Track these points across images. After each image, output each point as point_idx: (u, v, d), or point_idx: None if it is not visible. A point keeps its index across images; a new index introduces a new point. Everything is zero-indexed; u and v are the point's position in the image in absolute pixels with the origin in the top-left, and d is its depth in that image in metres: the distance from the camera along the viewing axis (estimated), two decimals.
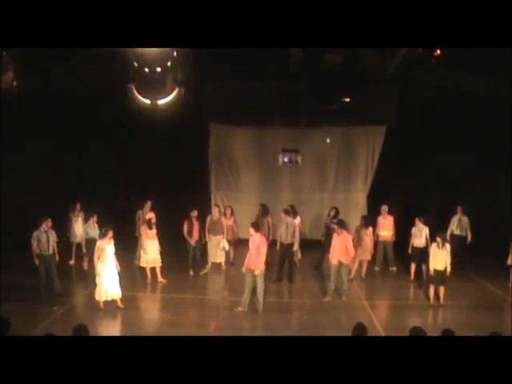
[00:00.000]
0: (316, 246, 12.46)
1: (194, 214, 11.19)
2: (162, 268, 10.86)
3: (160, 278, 10.81)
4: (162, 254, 10.91)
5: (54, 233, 9.67)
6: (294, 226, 11.00)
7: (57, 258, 9.67)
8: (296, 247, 11.13)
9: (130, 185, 13.46)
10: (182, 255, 11.66)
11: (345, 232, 9.91)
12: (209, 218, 11.61)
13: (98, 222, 10.69)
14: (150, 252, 10.79)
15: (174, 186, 13.58)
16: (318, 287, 10.79)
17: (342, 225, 10.01)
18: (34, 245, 9.37)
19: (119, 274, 9.17)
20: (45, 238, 9.43)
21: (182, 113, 10.43)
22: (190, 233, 11.15)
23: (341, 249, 9.75)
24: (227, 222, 11.87)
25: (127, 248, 11.13)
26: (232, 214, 12.15)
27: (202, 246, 11.58)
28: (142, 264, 10.87)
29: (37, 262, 9.43)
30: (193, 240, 11.22)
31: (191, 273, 11.20)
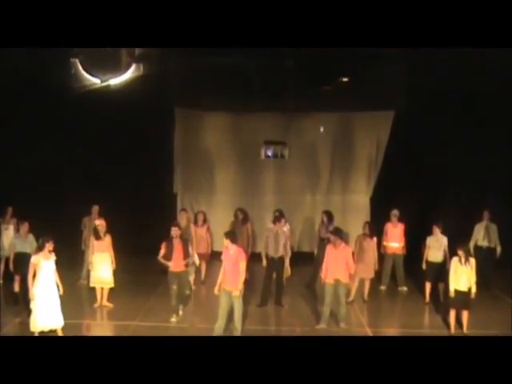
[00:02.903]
0: (307, 260, 12.47)
1: (176, 232, 10.06)
2: (111, 289, 10.84)
3: (104, 301, 10.76)
4: (115, 271, 10.87)
5: None
6: (284, 236, 11.04)
7: None
8: (287, 262, 11.10)
9: (76, 185, 13.41)
10: (141, 272, 11.76)
11: (343, 243, 9.88)
12: (172, 224, 11.06)
13: (32, 232, 10.61)
14: (98, 268, 10.73)
15: (130, 186, 13.56)
16: (310, 311, 10.73)
17: (339, 234, 9.92)
18: None
19: (61, 297, 9.05)
20: None
21: (140, 95, 10.57)
22: (169, 256, 10.03)
23: (338, 264, 9.70)
24: (198, 231, 11.90)
25: (72, 264, 11.04)
26: (205, 221, 12.17)
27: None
28: (92, 283, 10.82)
29: None
30: (172, 267, 10.05)
31: (173, 319, 10.07)
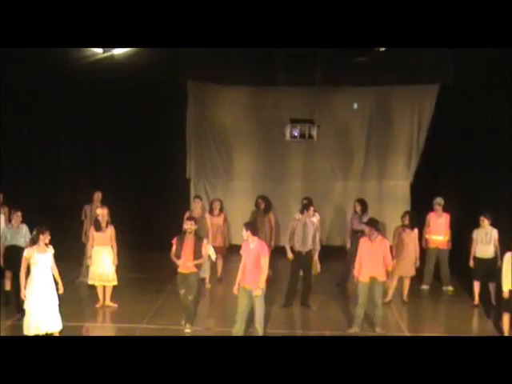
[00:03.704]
0: (338, 255, 12.47)
1: (190, 227, 9.56)
2: (114, 287, 10.76)
3: (108, 300, 10.69)
4: (117, 268, 10.72)
5: None
6: (313, 227, 10.96)
7: None
8: (316, 257, 11.12)
9: (75, 169, 13.43)
10: (149, 268, 11.89)
11: (379, 236, 9.74)
12: (187, 215, 11.24)
13: (25, 222, 10.46)
14: (99, 264, 10.60)
15: (137, 170, 13.61)
16: (341, 314, 10.68)
17: (375, 225, 9.78)
18: None
19: (59, 296, 8.88)
20: None
21: (148, 66, 10.91)
22: (178, 254, 9.59)
23: (373, 260, 9.61)
24: (214, 222, 11.84)
25: (71, 259, 11.08)
26: (221, 210, 12.08)
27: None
28: (91, 281, 10.73)
29: None
30: (180, 267, 9.62)
31: (187, 330, 9.69)
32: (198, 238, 9.72)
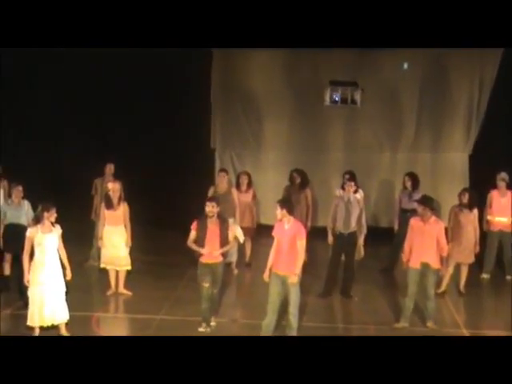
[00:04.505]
0: (384, 238, 12.36)
1: (213, 210, 9.10)
2: (128, 273, 10.69)
3: (121, 288, 10.61)
4: (131, 250, 10.64)
5: None
6: (359, 206, 10.82)
7: None
8: (361, 240, 10.89)
9: (84, 139, 13.55)
10: (167, 252, 11.99)
11: (433, 216, 9.47)
12: (211, 191, 11.48)
13: (27, 197, 10.42)
14: (111, 246, 10.52)
15: (156, 140, 13.64)
16: (388, 305, 10.55)
17: (428, 204, 9.52)
18: None
19: (67, 283, 8.85)
20: None
21: None
22: (201, 242, 9.19)
23: (426, 243, 9.41)
24: (242, 199, 11.77)
25: (79, 240, 11.16)
26: (250, 185, 12.02)
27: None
28: (103, 264, 10.69)
29: None
30: (204, 257, 9.19)
31: (202, 329, 9.32)
32: (223, 220, 9.33)
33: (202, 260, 9.17)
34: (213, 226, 9.13)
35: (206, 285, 9.19)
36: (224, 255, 9.45)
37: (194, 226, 9.22)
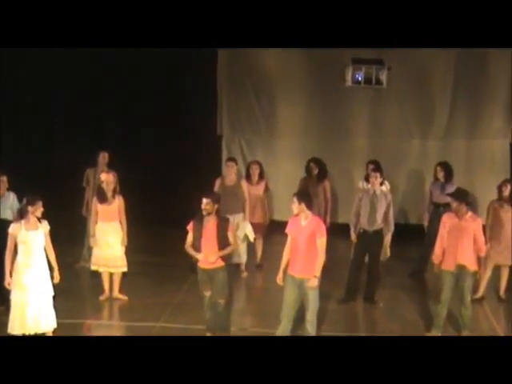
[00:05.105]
0: (413, 237, 12.33)
1: (209, 207, 9.18)
2: (123, 275, 10.61)
3: (115, 292, 10.52)
4: (127, 250, 10.53)
5: None
6: (385, 200, 10.67)
7: None
8: (388, 239, 10.70)
9: (77, 124, 13.71)
10: (167, 252, 12.03)
11: (469, 212, 9.26)
12: (218, 183, 11.40)
13: (12, 189, 10.38)
14: (105, 244, 10.41)
15: (155, 125, 13.71)
16: (417, 312, 10.38)
17: (464, 198, 9.30)
18: None
19: (55, 286, 8.77)
20: None
21: None
22: (196, 245, 9.06)
23: (461, 243, 9.21)
24: (252, 191, 11.70)
25: (69, 238, 11.29)
26: (261, 175, 11.90)
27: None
28: (94, 266, 10.58)
29: None
30: (201, 261, 9.05)
31: (209, 333, 9.52)
32: (222, 218, 9.08)
33: (200, 265, 8.99)
34: (209, 226, 8.90)
35: (206, 293, 9.03)
36: (225, 259, 9.15)
37: (190, 226, 9.03)
